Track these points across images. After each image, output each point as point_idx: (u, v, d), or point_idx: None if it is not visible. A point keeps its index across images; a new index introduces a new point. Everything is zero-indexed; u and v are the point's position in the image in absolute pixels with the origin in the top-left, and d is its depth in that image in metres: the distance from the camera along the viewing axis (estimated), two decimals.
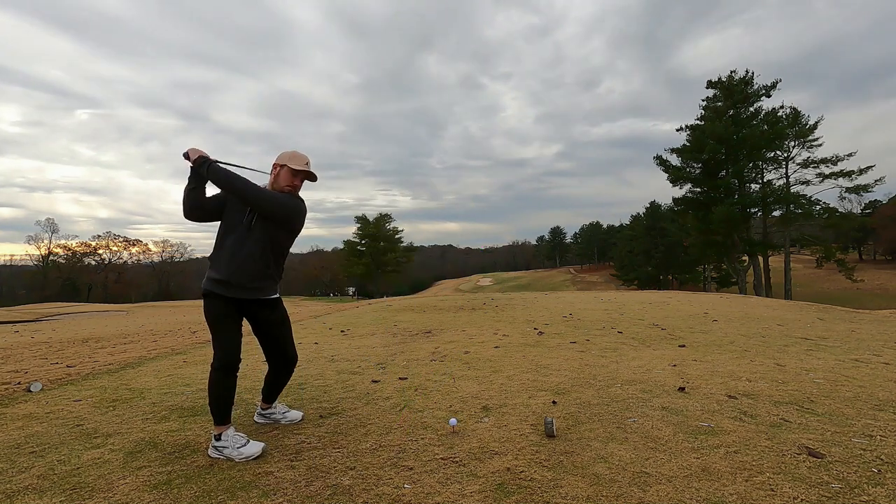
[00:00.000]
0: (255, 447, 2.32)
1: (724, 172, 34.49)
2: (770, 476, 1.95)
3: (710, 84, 35.67)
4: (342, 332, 7.42)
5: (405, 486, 1.96)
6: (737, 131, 33.02)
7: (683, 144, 35.64)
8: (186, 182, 2.48)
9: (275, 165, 2.55)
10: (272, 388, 2.81)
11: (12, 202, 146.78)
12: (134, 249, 74.72)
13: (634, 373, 3.85)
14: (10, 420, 3.03)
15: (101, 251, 70.87)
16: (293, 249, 2.83)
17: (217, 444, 2.31)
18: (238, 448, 2.29)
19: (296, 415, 2.87)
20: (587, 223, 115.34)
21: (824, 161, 32.13)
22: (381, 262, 63.03)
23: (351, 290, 74.71)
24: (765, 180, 35.22)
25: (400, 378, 3.87)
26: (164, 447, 2.45)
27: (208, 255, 2.58)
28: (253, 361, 5.00)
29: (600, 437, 2.43)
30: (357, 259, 62.96)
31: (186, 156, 2.44)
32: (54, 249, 66.11)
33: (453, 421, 2.62)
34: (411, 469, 2.12)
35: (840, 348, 5.09)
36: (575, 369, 4.04)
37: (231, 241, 2.44)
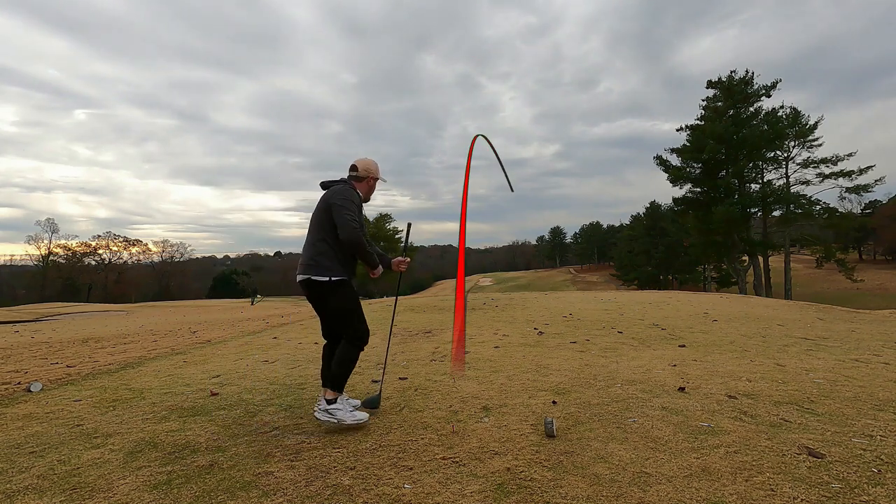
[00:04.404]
0: (364, 415, 2.75)
1: (724, 172, 34.47)
2: (770, 476, 1.95)
3: (710, 84, 35.67)
4: None
5: (405, 486, 1.96)
6: (737, 131, 33.01)
7: (683, 144, 35.64)
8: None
9: (369, 178, 3.01)
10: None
11: (12, 202, 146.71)
12: (134, 249, 74.71)
13: (634, 373, 3.85)
14: (10, 420, 3.03)
15: (101, 251, 70.85)
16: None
17: (331, 407, 2.65)
18: (350, 412, 2.69)
19: (355, 402, 3.03)
20: (587, 223, 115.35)
21: (824, 161, 32.09)
22: None
23: None
24: (765, 180, 35.19)
25: (400, 378, 3.87)
26: (164, 447, 2.45)
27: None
28: (252, 361, 5.00)
29: (600, 437, 2.43)
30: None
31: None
32: (54, 249, 66.09)
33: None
34: (411, 469, 2.12)
35: (840, 348, 5.09)
36: (575, 369, 4.04)
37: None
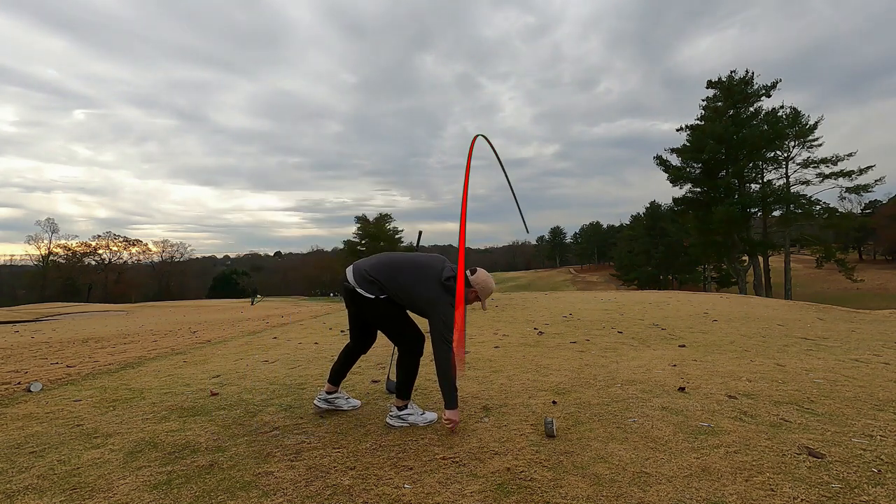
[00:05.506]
0: (433, 415, 2.79)
1: (724, 172, 34.52)
2: (770, 476, 1.95)
3: (710, 84, 35.71)
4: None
5: (405, 486, 1.96)
6: (737, 131, 33.05)
7: (683, 144, 35.69)
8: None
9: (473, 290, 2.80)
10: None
11: (11, 202, 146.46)
12: (134, 249, 74.78)
13: (634, 373, 3.85)
14: (10, 420, 3.03)
15: (101, 251, 70.90)
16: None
17: (402, 413, 2.71)
18: (422, 415, 2.75)
19: (356, 402, 3.10)
20: (587, 223, 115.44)
21: (824, 161, 32.12)
22: None
23: None
24: (765, 180, 35.23)
25: None
26: (164, 447, 2.45)
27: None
28: (252, 361, 5.00)
29: (600, 437, 2.43)
30: (357, 259, 62.87)
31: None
32: (54, 249, 66.15)
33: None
34: (411, 469, 2.12)
35: (840, 348, 5.09)
36: (575, 369, 4.04)
37: None
